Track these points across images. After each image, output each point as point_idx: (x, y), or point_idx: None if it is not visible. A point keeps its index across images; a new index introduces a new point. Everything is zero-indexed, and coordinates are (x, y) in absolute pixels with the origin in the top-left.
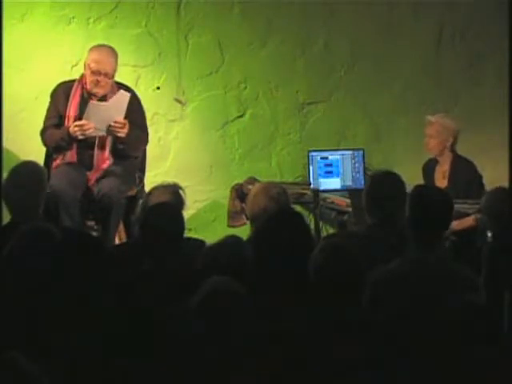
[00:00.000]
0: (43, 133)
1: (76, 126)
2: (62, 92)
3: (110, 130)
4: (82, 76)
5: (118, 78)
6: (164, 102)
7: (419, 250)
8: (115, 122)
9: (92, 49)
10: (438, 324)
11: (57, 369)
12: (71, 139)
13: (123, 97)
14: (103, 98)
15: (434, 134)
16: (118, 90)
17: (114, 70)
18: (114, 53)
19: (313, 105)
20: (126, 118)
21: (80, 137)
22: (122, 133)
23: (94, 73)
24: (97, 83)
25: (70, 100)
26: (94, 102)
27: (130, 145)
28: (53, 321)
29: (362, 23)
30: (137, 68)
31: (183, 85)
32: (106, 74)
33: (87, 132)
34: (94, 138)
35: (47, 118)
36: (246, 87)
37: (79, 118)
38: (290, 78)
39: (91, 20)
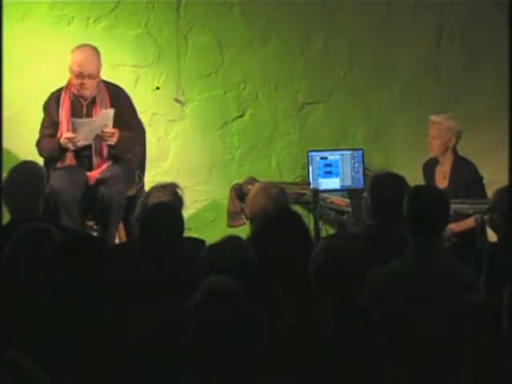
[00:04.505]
0: (38, 143)
1: (65, 138)
2: (52, 102)
3: (99, 138)
4: (69, 81)
5: (117, 78)
6: (163, 102)
7: (419, 249)
8: (103, 132)
9: (73, 51)
10: (438, 324)
11: (57, 369)
12: (62, 150)
13: (107, 115)
14: (92, 101)
15: (438, 135)
16: (105, 89)
17: (98, 70)
18: (95, 52)
19: (312, 105)
20: (116, 118)
21: (71, 147)
22: (112, 141)
23: (77, 76)
24: (82, 86)
25: (61, 107)
26: (76, 120)
27: (121, 149)
28: (52, 320)
29: (362, 23)
30: (136, 68)
31: (183, 85)
32: (89, 76)
33: (78, 144)
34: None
35: (42, 127)
36: (245, 87)
37: (73, 124)
38: (289, 78)
39: (91, 20)
